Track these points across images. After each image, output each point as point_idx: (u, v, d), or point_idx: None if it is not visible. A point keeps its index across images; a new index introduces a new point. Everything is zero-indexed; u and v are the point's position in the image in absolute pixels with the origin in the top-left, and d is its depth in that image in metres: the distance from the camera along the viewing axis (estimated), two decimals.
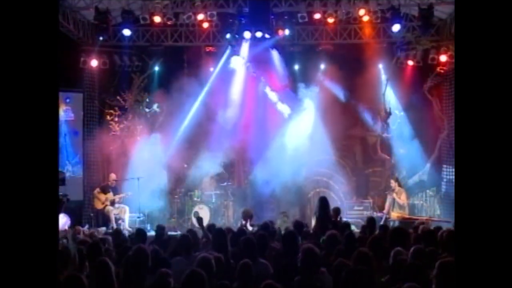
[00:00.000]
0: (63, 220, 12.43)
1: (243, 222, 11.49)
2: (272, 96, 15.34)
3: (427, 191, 15.11)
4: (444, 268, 4.15)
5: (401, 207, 13.55)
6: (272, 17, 13.51)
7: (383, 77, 15.07)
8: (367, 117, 15.36)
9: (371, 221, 9.01)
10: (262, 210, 14.25)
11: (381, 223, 12.80)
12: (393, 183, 13.80)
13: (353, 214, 14.09)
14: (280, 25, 13.69)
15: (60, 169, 13.30)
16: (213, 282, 4.65)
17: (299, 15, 13.46)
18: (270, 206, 14.40)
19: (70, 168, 14.71)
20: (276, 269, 5.52)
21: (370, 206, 14.41)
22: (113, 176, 14.07)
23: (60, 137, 14.02)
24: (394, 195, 13.56)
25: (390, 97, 15.06)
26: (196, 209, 14.35)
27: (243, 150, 14.92)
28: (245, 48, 14.79)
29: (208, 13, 13.53)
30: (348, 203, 14.61)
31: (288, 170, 14.01)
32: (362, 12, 13.17)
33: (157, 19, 13.44)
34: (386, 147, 15.36)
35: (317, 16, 13.49)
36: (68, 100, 15.00)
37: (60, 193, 12.66)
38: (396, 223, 12.64)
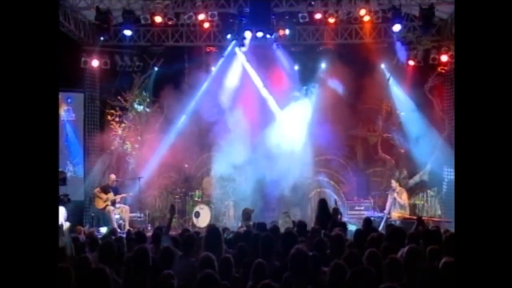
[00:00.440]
0: (61, 213, 12.39)
1: (242, 223, 11.49)
2: (269, 96, 15.31)
3: (428, 191, 15.09)
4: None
5: (402, 207, 13.53)
6: (273, 17, 13.50)
7: (388, 75, 15.05)
8: (368, 117, 15.35)
9: (367, 222, 9.05)
10: (264, 210, 14.26)
11: (382, 223, 12.87)
12: (394, 183, 13.79)
13: (354, 214, 14.08)
14: (281, 25, 13.69)
15: (61, 169, 13.29)
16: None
17: (300, 15, 13.46)
18: (271, 206, 14.40)
19: (71, 168, 14.71)
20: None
21: (371, 206, 14.41)
22: (113, 176, 14.07)
23: (61, 137, 14.03)
24: (395, 195, 13.55)
25: (399, 95, 15.03)
26: (197, 209, 14.39)
27: (244, 150, 14.90)
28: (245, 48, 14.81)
29: (209, 13, 13.54)
30: (349, 203, 14.62)
31: (289, 170, 14.02)
32: (363, 12, 13.18)
33: (158, 19, 13.45)
34: (387, 147, 15.35)
35: (318, 16, 13.49)
36: (69, 100, 15.00)
37: (61, 193, 12.65)
38: (397, 223, 12.62)
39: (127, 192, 14.06)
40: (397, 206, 13.49)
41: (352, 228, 10.35)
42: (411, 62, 14.58)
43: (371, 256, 5.07)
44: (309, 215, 14.20)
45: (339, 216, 10.51)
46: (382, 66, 15.14)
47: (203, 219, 14.09)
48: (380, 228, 11.80)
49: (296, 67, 15.26)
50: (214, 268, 4.77)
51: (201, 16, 13.54)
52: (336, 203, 12.10)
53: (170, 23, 13.88)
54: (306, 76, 15.26)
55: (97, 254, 5.69)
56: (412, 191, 14.84)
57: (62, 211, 12.38)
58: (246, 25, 13.42)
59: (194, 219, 14.25)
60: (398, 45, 14.36)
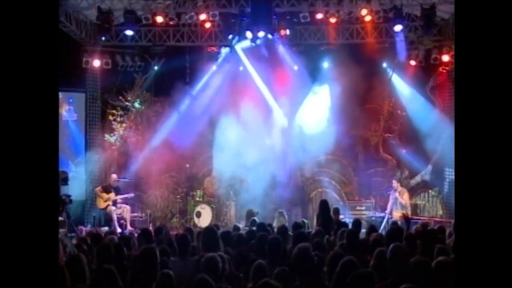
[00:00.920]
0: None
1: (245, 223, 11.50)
2: (269, 96, 15.33)
3: (430, 191, 15.09)
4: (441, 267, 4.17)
5: (403, 207, 13.51)
6: (274, 17, 13.50)
7: (390, 73, 15.05)
8: (370, 117, 15.35)
9: (356, 223, 9.10)
10: (264, 210, 14.26)
11: (383, 223, 12.87)
12: (395, 183, 13.78)
13: (355, 214, 14.06)
14: (282, 25, 13.69)
15: (63, 169, 13.31)
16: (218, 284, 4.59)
17: (301, 15, 13.45)
18: (272, 206, 14.38)
19: (73, 168, 14.73)
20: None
21: (372, 206, 14.39)
22: (114, 176, 14.09)
23: (63, 137, 14.04)
24: (397, 195, 13.54)
25: (402, 94, 15.03)
26: (198, 209, 14.41)
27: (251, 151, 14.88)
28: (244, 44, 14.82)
29: (210, 13, 13.54)
30: (350, 203, 14.61)
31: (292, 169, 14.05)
32: (364, 12, 13.17)
33: (159, 19, 13.46)
34: (389, 147, 15.34)
35: (319, 16, 13.49)
36: (70, 100, 15.04)
37: (63, 194, 12.68)
38: (398, 223, 12.61)
39: (128, 192, 14.06)
40: (398, 206, 13.46)
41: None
42: (413, 62, 14.58)
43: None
44: (311, 215, 14.20)
45: (340, 216, 10.57)
46: (384, 65, 15.14)
47: (204, 219, 14.10)
48: (381, 228, 11.80)
49: (296, 67, 15.24)
50: (218, 269, 4.74)
51: (203, 16, 13.55)
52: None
53: (171, 23, 13.89)
54: (307, 76, 15.23)
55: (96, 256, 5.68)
56: (413, 191, 14.83)
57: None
58: (247, 25, 13.42)
59: (196, 219, 14.27)
60: (399, 45, 14.35)
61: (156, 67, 15.35)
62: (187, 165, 15.43)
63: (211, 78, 15.36)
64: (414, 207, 14.52)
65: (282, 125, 15.15)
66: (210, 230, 6.27)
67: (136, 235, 8.79)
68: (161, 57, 15.11)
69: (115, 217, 13.34)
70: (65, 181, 12.95)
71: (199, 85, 15.33)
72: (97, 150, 14.94)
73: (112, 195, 13.57)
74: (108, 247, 5.85)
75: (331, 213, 10.50)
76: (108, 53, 14.74)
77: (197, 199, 14.88)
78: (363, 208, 14.37)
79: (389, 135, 15.27)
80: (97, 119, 15.14)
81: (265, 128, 14.96)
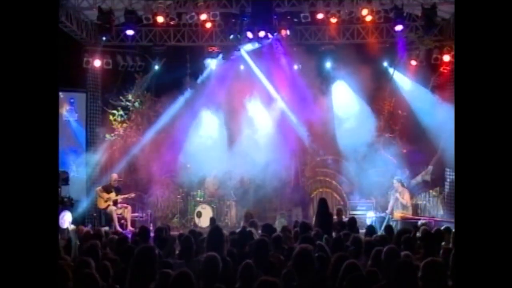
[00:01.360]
0: (67, 217, 12.42)
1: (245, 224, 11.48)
2: (272, 94, 15.32)
3: (431, 191, 15.07)
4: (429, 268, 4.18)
5: (404, 207, 13.50)
6: (275, 17, 13.49)
7: (391, 73, 15.03)
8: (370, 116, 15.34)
9: (351, 220, 9.10)
10: (264, 210, 14.26)
11: (384, 223, 12.84)
12: (396, 183, 13.76)
13: (356, 214, 14.04)
14: (283, 25, 13.67)
15: (64, 169, 13.32)
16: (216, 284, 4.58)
17: (301, 15, 13.45)
18: (272, 206, 14.40)
19: (74, 168, 14.73)
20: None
21: (373, 206, 14.38)
22: (115, 176, 14.08)
23: (63, 137, 14.04)
24: (397, 195, 13.52)
25: (403, 93, 15.03)
26: (199, 209, 14.40)
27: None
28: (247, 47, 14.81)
29: (211, 13, 13.54)
30: (351, 203, 14.60)
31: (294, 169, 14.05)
32: (365, 12, 13.16)
33: (160, 19, 13.46)
34: (389, 147, 15.32)
35: (320, 16, 13.49)
36: (71, 100, 15.04)
37: (66, 196, 12.69)
38: (399, 223, 12.61)
39: (128, 192, 14.06)
40: (399, 206, 13.45)
41: None
42: (413, 62, 14.57)
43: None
44: (311, 215, 14.19)
45: (343, 217, 10.47)
46: (385, 65, 15.13)
47: (205, 219, 14.10)
48: (382, 228, 11.78)
49: (296, 67, 15.23)
50: (218, 268, 4.73)
51: (203, 16, 13.56)
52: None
53: (172, 23, 13.89)
54: (307, 76, 15.21)
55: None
56: (414, 191, 14.81)
57: (69, 216, 12.44)
58: (248, 25, 13.41)
59: (196, 219, 14.27)
60: (400, 45, 14.34)
61: (156, 67, 15.34)
62: (188, 165, 15.41)
63: (211, 78, 15.35)
64: (415, 207, 14.49)
65: (284, 125, 15.13)
66: (216, 230, 6.30)
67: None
68: (162, 57, 15.11)
69: (115, 217, 13.34)
70: (66, 181, 12.98)
71: (199, 85, 15.31)
72: (98, 150, 14.95)
73: (112, 195, 13.57)
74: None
75: (334, 213, 10.37)
76: (108, 53, 14.75)
77: (198, 199, 14.88)
78: (364, 208, 14.36)
79: (390, 135, 15.24)
80: (98, 119, 15.15)
81: (266, 128, 14.96)
